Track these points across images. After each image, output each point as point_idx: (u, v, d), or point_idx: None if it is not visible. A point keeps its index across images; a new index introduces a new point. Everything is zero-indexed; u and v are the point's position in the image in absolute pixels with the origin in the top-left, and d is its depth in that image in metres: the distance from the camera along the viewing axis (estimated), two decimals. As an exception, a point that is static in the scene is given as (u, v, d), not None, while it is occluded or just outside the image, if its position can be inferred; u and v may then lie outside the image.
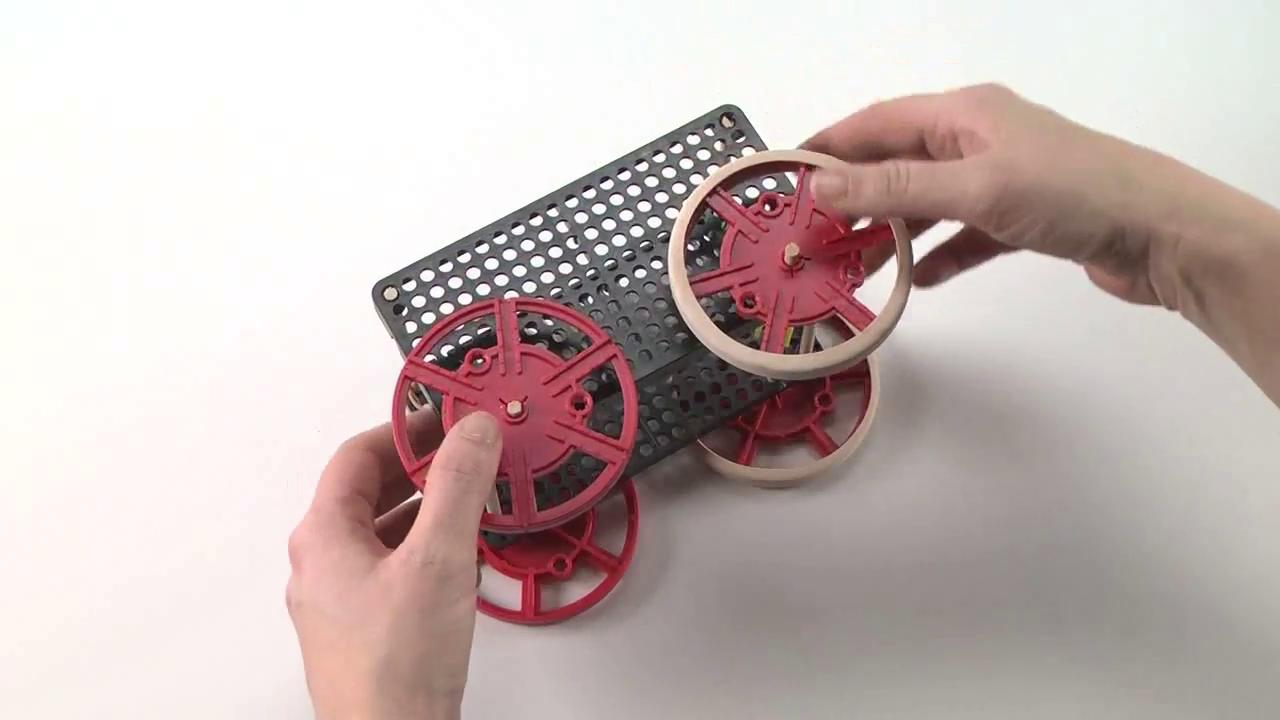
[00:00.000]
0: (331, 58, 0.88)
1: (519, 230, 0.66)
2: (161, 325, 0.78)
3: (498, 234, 0.66)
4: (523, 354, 0.61)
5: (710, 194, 0.64)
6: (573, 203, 0.67)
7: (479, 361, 0.61)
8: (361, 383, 0.72)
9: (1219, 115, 0.83)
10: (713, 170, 0.67)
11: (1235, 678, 0.68)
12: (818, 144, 0.65)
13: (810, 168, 0.64)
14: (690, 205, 0.64)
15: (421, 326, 0.64)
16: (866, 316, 0.62)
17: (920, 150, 0.62)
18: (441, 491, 0.55)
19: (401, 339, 0.64)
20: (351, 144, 0.84)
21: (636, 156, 0.68)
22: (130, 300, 0.79)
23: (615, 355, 0.62)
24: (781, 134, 0.68)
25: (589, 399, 0.60)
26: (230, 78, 0.86)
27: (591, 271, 0.65)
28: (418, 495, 0.61)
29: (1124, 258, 0.56)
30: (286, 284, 0.79)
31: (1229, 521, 0.71)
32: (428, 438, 0.61)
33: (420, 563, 0.53)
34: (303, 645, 0.56)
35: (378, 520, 0.62)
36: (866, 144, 0.63)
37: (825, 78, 0.85)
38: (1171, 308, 0.59)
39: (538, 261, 0.65)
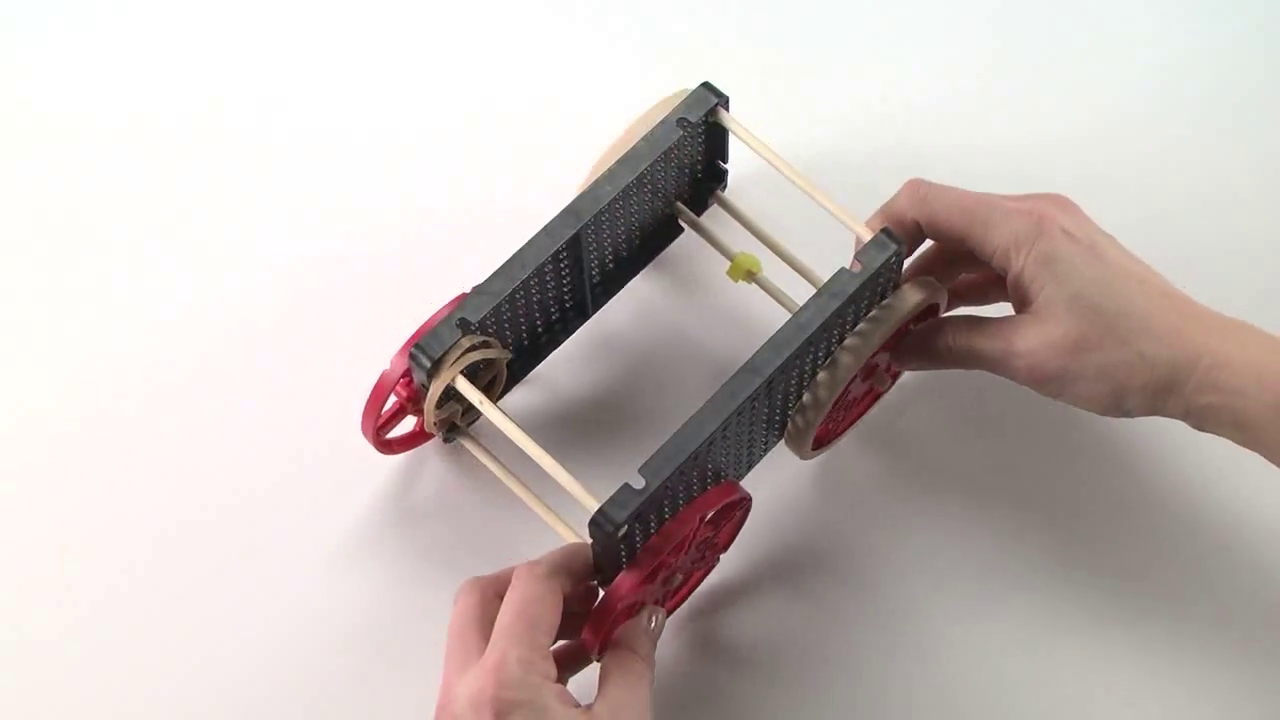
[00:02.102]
0: (327, 47, 0.86)
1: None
2: (159, 324, 0.77)
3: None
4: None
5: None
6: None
7: (676, 576, 0.63)
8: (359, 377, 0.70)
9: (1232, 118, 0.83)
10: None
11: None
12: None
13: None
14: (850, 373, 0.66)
15: None
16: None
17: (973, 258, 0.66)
18: (642, 680, 0.61)
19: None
20: (354, 142, 0.83)
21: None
22: (128, 299, 0.78)
23: (748, 499, 0.65)
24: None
25: (723, 542, 0.66)
26: (227, 70, 0.85)
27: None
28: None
29: (1134, 413, 0.64)
30: (285, 281, 0.78)
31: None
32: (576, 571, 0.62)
33: None
34: None
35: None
36: (916, 237, 0.67)
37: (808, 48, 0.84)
38: None
39: None
